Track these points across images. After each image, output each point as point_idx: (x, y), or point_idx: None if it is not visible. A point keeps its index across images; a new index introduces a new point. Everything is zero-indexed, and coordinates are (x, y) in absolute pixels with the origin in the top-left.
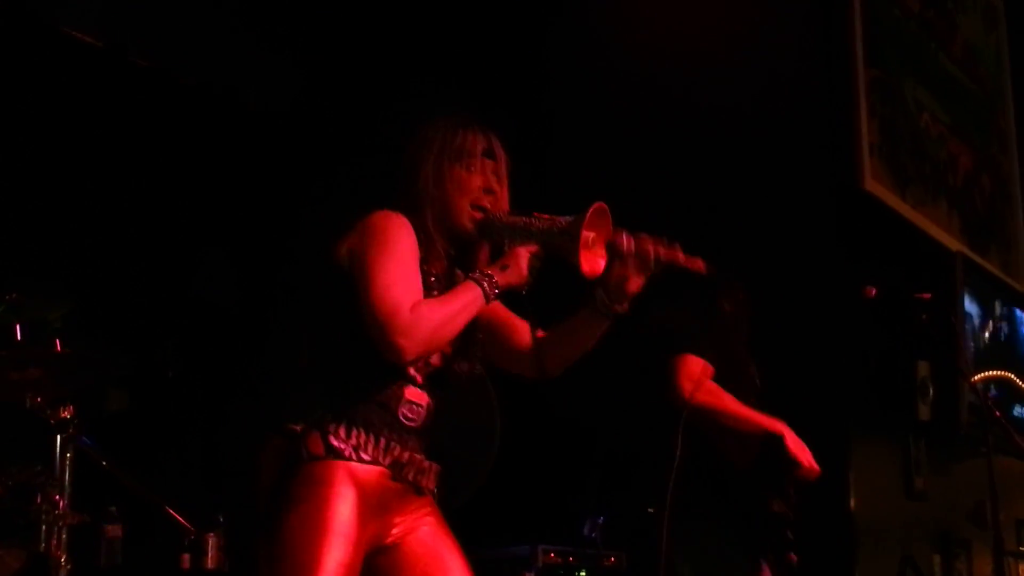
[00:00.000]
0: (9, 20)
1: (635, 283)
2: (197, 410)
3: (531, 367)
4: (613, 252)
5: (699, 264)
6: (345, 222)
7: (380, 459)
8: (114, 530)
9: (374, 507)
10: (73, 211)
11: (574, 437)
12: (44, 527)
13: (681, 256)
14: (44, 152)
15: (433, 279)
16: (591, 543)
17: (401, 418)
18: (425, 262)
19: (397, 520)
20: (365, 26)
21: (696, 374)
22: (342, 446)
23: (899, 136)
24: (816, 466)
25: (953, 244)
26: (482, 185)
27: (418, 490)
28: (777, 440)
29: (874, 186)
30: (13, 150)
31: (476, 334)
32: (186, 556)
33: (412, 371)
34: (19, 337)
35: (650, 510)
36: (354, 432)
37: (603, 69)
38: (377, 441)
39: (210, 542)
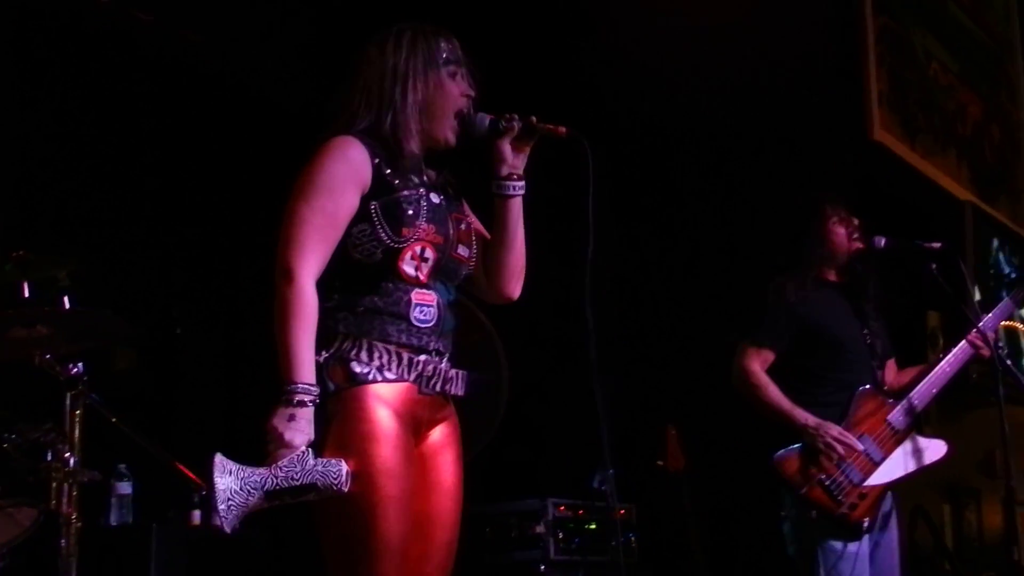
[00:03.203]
0: None
1: (516, 154)
2: (206, 366)
3: (489, 280)
4: (497, 133)
5: (560, 129)
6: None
7: (405, 375)
8: (124, 487)
9: (407, 423)
10: (80, 168)
11: (584, 393)
12: (55, 484)
13: (535, 121)
14: (54, 113)
15: (408, 189)
16: (601, 496)
17: (415, 322)
18: (399, 172)
19: (426, 431)
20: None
21: (750, 364)
22: (365, 370)
23: (908, 86)
24: (832, 446)
25: (962, 194)
26: (463, 92)
27: (445, 398)
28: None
29: (883, 136)
30: (22, 112)
31: (465, 220)
32: (196, 513)
33: (412, 272)
34: (26, 294)
35: None
36: (376, 352)
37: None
38: (400, 357)
39: None
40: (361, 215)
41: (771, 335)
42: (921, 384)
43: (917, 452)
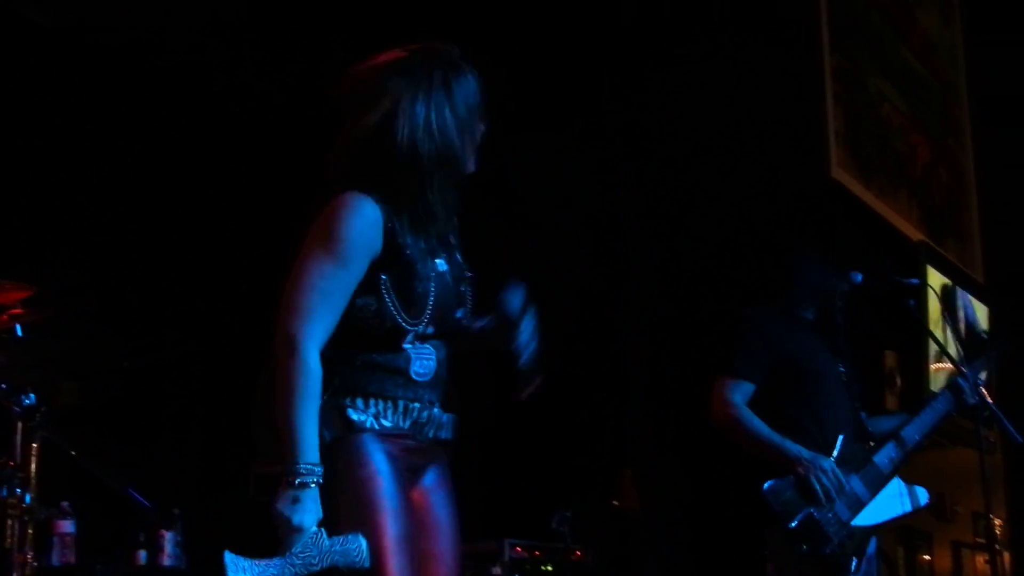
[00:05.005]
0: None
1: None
2: (154, 402)
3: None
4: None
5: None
6: (323, 196)
7: (401, 423)
8: (67, 526)
9: (402, 470)
10: (35, 195)
11: (543, 432)
12: (9, 522)
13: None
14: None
15: (419, 260)
16: (559, 537)
17: (414, 376)
18: (411, 235)
19: (419, 476)
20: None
21: (731, 396)
22: (362, 417)
23: (862, 125)
24: (824, 484)
25: (915, 235)
26: (483, 130)
27: (438, 443)
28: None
29: (841, 174)
30: None
31: (464, 281)
32: (141, 553)
33: (412, 341)
34: None
35: None
36: (371, 400)
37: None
38: (396, 405)
39: (166, 538)
40: (368, 286)
41: (748, 367)
42: (907, 428)
43: (902, 496)
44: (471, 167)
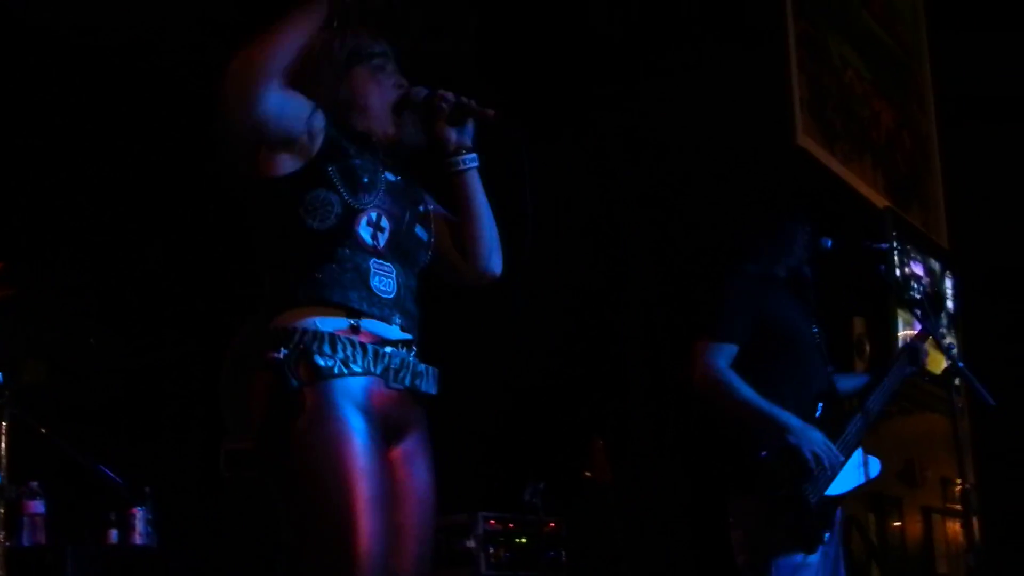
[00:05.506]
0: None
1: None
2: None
3: (468, 259)
4: (431, 111)
5: (489, 112)
6: None
7: (371, 368)
8: (36, 506)
9: (377, 422)
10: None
11: (516, 404)
12: None
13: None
14: None
15: (362, 159)
16: (532, 509)
17: (375, 291)
18: (355, 145)
19: (396, 435)
20: None
21: (716, 361)
22: (329, 363)
23: (826, 92)
24: (816, 455)
25: (879, 201)
26: (395, 83)
27: (416, 397)
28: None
29: (806, 141)
30: None
31: (423, 203)
32: (112, 532)
33: (369, 239)
34: None
35: None
36: (339, 343)
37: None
38: (365, 349)
39: (137, 516)
40: (317, 179)
41: (732, 328)
42: (872, 397)
43: (861, 466)
44: (390, 130)
